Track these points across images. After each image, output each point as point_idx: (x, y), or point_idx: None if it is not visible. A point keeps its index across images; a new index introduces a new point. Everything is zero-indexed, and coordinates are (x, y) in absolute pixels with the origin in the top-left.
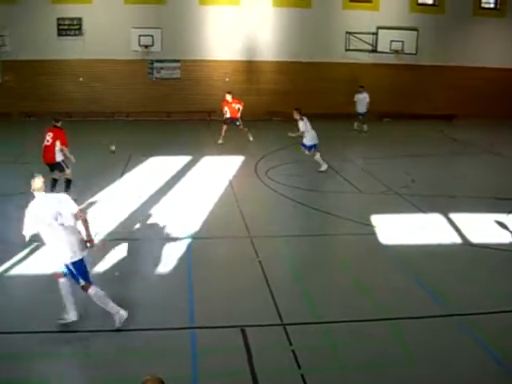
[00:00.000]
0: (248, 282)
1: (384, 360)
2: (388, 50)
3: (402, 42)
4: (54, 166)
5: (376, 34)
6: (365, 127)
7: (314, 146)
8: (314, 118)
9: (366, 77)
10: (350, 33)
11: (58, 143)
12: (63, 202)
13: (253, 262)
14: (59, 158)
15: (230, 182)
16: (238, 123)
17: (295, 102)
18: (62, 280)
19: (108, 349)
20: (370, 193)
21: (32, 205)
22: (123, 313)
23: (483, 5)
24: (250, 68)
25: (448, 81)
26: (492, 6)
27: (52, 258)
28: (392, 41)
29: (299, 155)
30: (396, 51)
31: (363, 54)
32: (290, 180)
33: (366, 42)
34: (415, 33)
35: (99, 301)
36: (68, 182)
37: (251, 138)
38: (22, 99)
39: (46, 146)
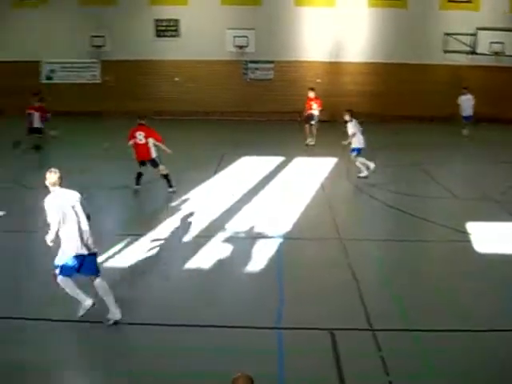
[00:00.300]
0: (338, 284)
1: (478, 373)
2: (487, 52)
3: (503, 43)
4: (150, 162)
5: (475, 35)
6: (465, 132)
7: (359, 150)
8: (407, 120)
9: (463, 79)
10: (447, 34)
11: (151, 140)
12: (77, 198)
13: (343, 264)
14: (154, 154)
15: (322, 184)
16: (312, 122)
17: (388, 104)
18: (60, 278)
19: (198, 344)
20: (465, 198)
21: (49, 198)
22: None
23: None
24: (341, 69)
25: None
26: None
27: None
28: (492, 42)
29: (392, 159)
30: (496, 53)
31: (461, 56)
32: (383, 183)
33: (464, 44)
34: None
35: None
36: (166, 177)
37: (312, 143)
38: (121, 98)
39: (139, 144)
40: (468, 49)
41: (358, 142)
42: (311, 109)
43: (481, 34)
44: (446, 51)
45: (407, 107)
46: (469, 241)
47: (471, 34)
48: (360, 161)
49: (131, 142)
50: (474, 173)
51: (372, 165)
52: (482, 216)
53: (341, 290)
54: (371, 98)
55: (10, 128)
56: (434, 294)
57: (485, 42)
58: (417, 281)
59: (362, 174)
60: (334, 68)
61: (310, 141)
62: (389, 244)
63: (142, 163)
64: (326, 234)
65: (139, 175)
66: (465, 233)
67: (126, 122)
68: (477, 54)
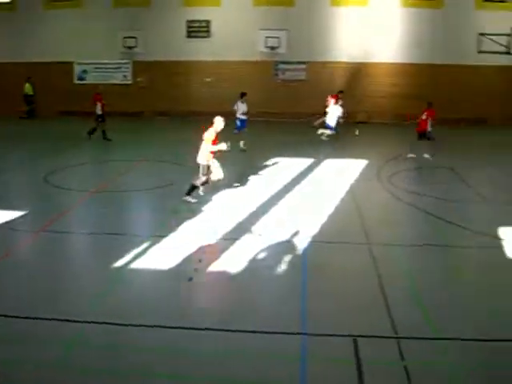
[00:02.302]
0: (363, 290)
1: None
2: None
3: None
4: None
5: (511, 35)
6: None
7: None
8: (445, 123)
9: (499, 80)
10: (482, 34)
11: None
12: None
13: (371, 270)
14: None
15: (351, 187)
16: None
17: (422, 106)
18: None
19: (217, 349)
20: (497, 202)
21: None
22: None
23: None
24: (374, 70)
25: None
26: None
27: None
28: None
29: (423, 161)
30: None
31: (496, 57)
32: (414, 186)
33: (500, 44)
34: None
35: None
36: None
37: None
38: (153, 99)
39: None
40: (504, 49)
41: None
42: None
43: None
44: (480, 51)
45: (445, 108)
46: (501, 247)
47: (508, 35)
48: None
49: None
50: (508, 176)
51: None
52: None
53: (367, 297)
54: (408, 100)
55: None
56: (463, 303)
57: None
58: (446, 288)
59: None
60: (369, 68)
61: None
62: (418, 249)
63: None
64: (355, 238)
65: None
66: (497, 238)
67: (159, 122)
68: None
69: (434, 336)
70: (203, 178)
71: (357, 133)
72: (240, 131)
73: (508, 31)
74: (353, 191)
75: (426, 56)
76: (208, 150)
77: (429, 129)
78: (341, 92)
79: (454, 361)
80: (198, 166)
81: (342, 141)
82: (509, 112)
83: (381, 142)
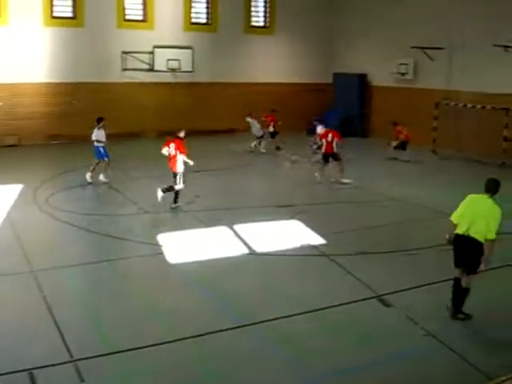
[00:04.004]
0: (33, 320)
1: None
2: (165, 69)
3: (179, 60)
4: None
5: (152, 53)
6: None
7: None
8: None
9: (145, 96)
10: (126, 52)
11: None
12: None
13: (38, 298)
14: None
15: (8, 213)
16: None
17: (74, 123)
18: None
19: None
20: (155, 212)
21: None
22: None
23: (253, 23)
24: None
25: (227, 96)
26: (261, 24)
27: None
28: (169, 59)
29: (83, 178)
30: (173, 69)
31: (141, 74)
32: (73, 205)
33: (143, 62)
34: (191, 51)
35: None
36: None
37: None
38: None
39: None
40: (147, 66)
41: None
42: None
43: (158, 51)
44: (124, 69)
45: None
46: (162, 253)
47: (149, 52)
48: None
49: None
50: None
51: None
52: (173, 227)
53: (38, 327)
54: (59, 119)
55: None
56: (135, 313)
57: (162, 59)
58: (117, 301)
59: None
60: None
61: None
62: (86, 268)
63: None
64: (16, 267)
65: None
66: (157, 245)
67: None
68: (155, 71)
69: (109, 351)
70: (181, 185)
71: None
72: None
73: (150, 49)
74: (10, 218)
75: (68, 74)
76: (183, 160)
77: None
78: None
79: (131, 371)
80: (174, 175)
81: None
82: (160, 126)
83: (35, 163)
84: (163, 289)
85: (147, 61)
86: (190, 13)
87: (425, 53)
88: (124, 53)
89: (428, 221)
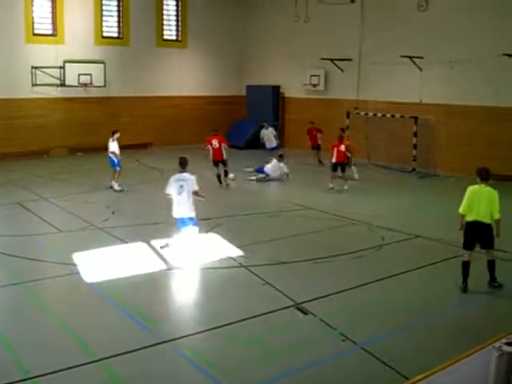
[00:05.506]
0: None
1: None
2: (77, 84)
3: (90, 74)
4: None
5: (63, 67)
6: None
7: None
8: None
9: (55, 111)
10: (36, 67)
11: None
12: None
13: None
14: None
15: None
16: None
17: None
18: None
19: None
20: (69, 231)
21: None
22: None
23: (166, 37)
24: None
25: (140, 110)
26: (174, 38)
27: None
28: (80, 74)
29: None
30: (85, 84)
31: (52, 89)
32: None
33: (53, 77)
34: (102, 65)
35: None
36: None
37: None
38: None
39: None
40: (58, 81)
41: None
42: None
43: (69, 66)
44: (34, 84)
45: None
46: (78, 272)
47: (60, 67)
48: None
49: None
50: (73, 203)
51: None
52: (89, 245)
53: None
54: None
55: None
56: (51, 335)
57: (73, 74)
58: (32, 324)
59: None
60: None
61: None
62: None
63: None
64: None
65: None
66: (73, 265)
67: None
68: (66, 86)
69: (24, 376)
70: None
71: None
72: None
73: (61, 64)
74: None
75: None
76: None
77: None
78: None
79: None
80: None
81: None
82: (70, 143)
83: None
84: (79, 309)
85: (58, 76)
86: (102, 26)
87: (335, 64)
88: (34, 68)
89: (341, 227)
